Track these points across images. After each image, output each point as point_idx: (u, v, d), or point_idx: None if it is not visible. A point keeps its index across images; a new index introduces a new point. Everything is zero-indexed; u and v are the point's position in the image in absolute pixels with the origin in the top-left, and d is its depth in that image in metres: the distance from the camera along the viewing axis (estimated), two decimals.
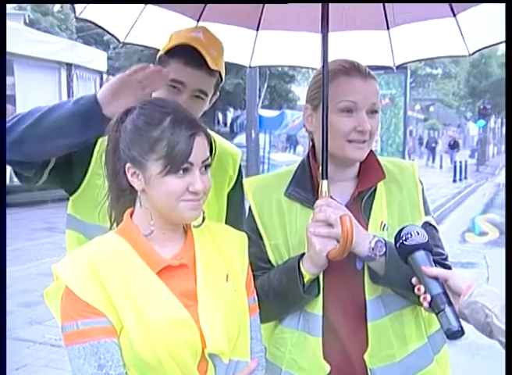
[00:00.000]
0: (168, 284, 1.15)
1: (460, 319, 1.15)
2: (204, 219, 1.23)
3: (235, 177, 1.80)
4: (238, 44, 1.93)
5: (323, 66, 1.40)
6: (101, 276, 1.11)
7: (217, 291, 1.20)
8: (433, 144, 28.04)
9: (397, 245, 1.26)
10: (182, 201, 1.14)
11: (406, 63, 1.96)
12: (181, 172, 1.13)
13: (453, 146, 25.54)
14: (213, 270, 1.22)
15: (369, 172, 1.46)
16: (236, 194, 1.78)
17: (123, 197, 1.21)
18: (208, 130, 1.20)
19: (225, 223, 1.67)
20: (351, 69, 1.41)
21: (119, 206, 1.23)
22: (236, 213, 1.76)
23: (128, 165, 1.15)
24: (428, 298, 1.18)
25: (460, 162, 18.57)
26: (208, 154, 1.18)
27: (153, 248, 1.17)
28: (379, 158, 1.50)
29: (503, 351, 1.10)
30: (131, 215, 1.21)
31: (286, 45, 1.97)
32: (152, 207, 1.17)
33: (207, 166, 1.18)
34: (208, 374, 1.16)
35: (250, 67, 1.98)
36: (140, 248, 1.16)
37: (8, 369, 3.60)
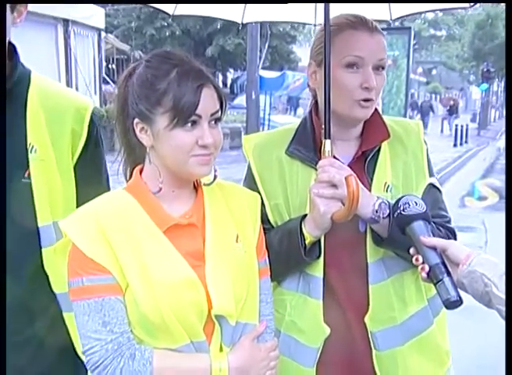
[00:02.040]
0: (175, 243, 1.13)
1: (459, 289, 1.14)
2: (215, 177, 1.20)
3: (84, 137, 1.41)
4: None
5: (325, 25, 1.34)
6: (108, 233, 1.09)
7: (226, 252, 1.18)
8: (428, 110, 26.54)
9: (395, 215, 1.24)
10: (192, 157, 1.11)
11: (404, 16, 1.87)
12: (189, 125, 1.09)
13: (452, 111, 24.48)
14: (223, 230, 1.20)
15: (373, 131, 1.42)
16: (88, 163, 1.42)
17: (133, 154, 1.19)
18: (217, 82, 1.15)
19: (77, 201, 1.39)
20: (357, 23, 1.36)
21: (129, 164, 1.21)
22: (89, 189, 1.34)
23: (136, 120, 1.13)
24: (427, 268, 1.17)
25: (462, 127, 18.37)
26: (218, 107, 1.14)
27: (161, 206, 1.15)
28: (384, 117, 1.46)
29: (497, 314, 1.09)
30: (140, 172, 1.18)
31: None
32: (161, 164, 1.14)
33: (217, 120, 1.14)
34: (214, 336, 1.16)
35: (242, 24, 1.89)
36: (148, 206, 1.14)
37: None
